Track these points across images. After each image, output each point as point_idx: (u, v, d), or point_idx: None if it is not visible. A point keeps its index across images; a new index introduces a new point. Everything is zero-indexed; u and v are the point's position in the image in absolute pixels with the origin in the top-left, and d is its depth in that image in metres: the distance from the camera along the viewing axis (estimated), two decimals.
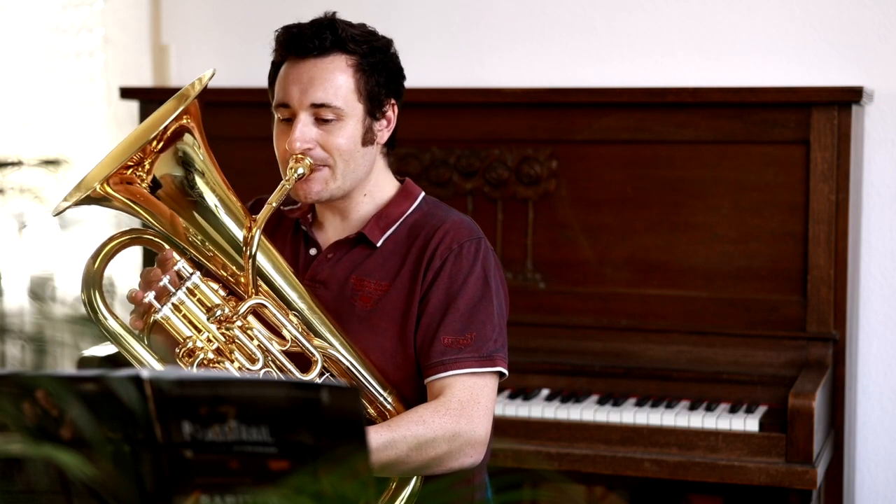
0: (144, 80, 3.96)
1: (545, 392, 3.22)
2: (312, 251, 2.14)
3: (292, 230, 2.17)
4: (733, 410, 3.05)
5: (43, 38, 3.73)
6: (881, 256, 3.43)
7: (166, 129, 1.90)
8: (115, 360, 3.12)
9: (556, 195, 3.39)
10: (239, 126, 3.47)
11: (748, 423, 2.98)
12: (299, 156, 2.01)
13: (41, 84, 3.72)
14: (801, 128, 3.18)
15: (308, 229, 2.15)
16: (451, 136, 3.44)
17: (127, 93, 3.68)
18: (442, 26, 3.71)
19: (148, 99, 3.63)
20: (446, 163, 3.44)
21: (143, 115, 3.61)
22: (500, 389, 3.20)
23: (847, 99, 3.14)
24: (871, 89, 3.33)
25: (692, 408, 3.07)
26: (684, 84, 3.45)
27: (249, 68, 3.73)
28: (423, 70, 3.63)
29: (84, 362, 3.18)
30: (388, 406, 2.03)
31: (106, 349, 3.23)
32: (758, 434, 2.96)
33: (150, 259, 3.30)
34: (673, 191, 3.31)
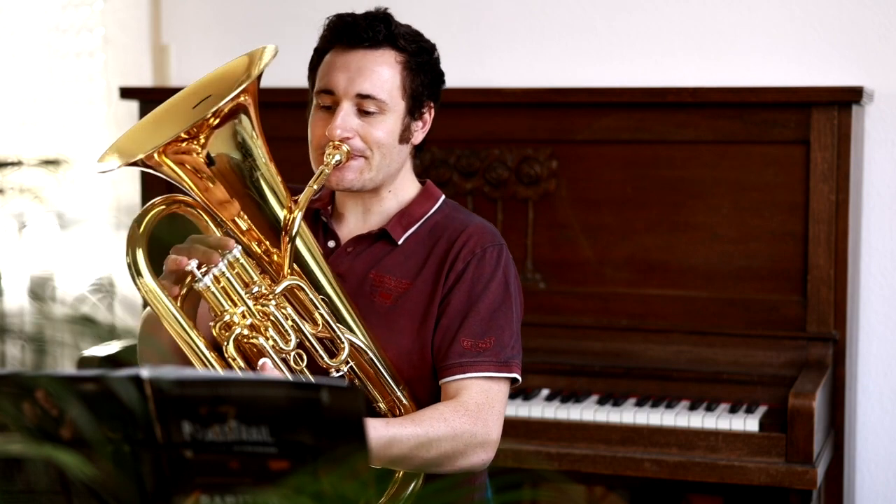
0: (144, 80, 3.96)
1: (545, 392, 3.22)
2: (331, 243, 2.14)
3: (311, 220, 2.17)
4: (733, 410, 3.05)
5: (43, 38, 3.73)
6: (881, 256, 3.43)
7: (224, 106, 1.87)
8: (116, 360, 3.12)
9: (556, 195, 3.39)
10: None
11: (748, 423, 2.98)
12: (337, 143, 2.01)
13: (41, 84, 3.72)
14: (801, 128, 3.18)
15: (328, 221, 2.15)
16: (451, 136, 3.44)
17: (127, 93, 3.68)
18: (442, 26, 3.71)
19: (148, 99, 3.63)
20: (446, 163, 3.44)
21: (143, 115, 3.61)
22: None
23: (847, 99, 3.14)
24: (871, 89, 3.33)
25: (692, 408, 3.08)
26: (684, 84, 3.45)
27: None
28: None
29: (84, 362, 3.18)
30: (403, 401, 2.03)
31: (106, 349, 3.23)
32: (758, 434, 2.96)
33: (152, 258, 3.29)
34: (673, 191, 3.31)
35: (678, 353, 3.25)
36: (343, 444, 1.22)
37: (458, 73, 3.69)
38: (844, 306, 3.20)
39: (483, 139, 3.43)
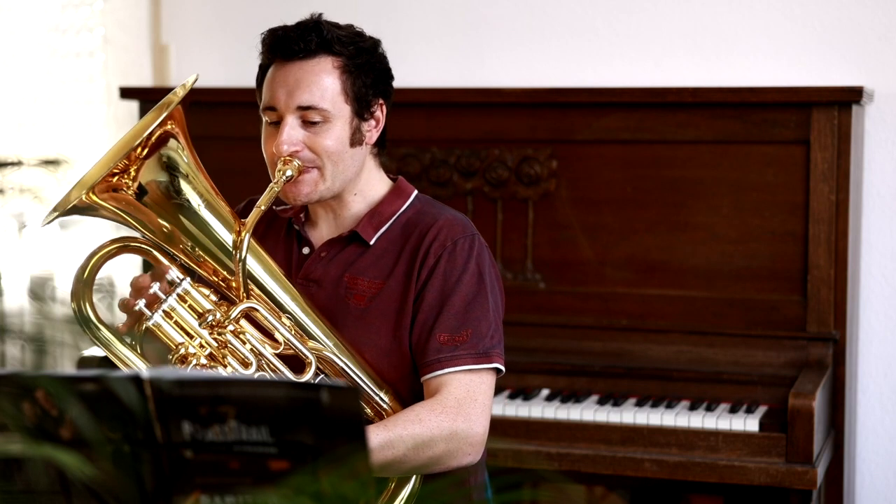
0: (144, 80, 3.96)
1: (545, 392, 3.22)
2: (305, 250, 2.14)
3: (285, 229, 2.18)
4: (733, 410, 3.05)
5: (43, 39, 3.73)
6: (881, 256, 3.43)
7: (150, 135, 1.90)
8: None
9: (556, 195, 3.39)
10: (239, 126, 3.47)
11: (748, 423, 2.98)
12: (287, 158, 2.01)
13: (41, 84, 3.72)
14: (802, 128, 3.18)
15: (301, 228, 2.15)
16: (451, 136, 3.44)
17: (127, 93, 3.68)
18: (442, 26, 3.71)
19: (148, 99, 3.63)
20: (446, 163, 3.44)
21: (143, 115, 3.61)
22: (500, 389, 3.20)
23: (847, 99, 3.14)
24: (871, 89, 3.33)
25: (692, 408, 3.07)
26: (684, 84, 3.45)
27: (249, 68, 3.70)
28: (423, 70, 3.62)
29: (84, 362, 3.18)
30: (385, 405, 2.03)
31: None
32: (758, 434, 2.96)
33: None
34: (673, 191, 3.31)
35: (678, 353, 3.25)
36: (343, 444, 1.22)
37: (458, 73, 3.69)
38: (844, 306, 3.20)
39: (483, 139, 3.43)
